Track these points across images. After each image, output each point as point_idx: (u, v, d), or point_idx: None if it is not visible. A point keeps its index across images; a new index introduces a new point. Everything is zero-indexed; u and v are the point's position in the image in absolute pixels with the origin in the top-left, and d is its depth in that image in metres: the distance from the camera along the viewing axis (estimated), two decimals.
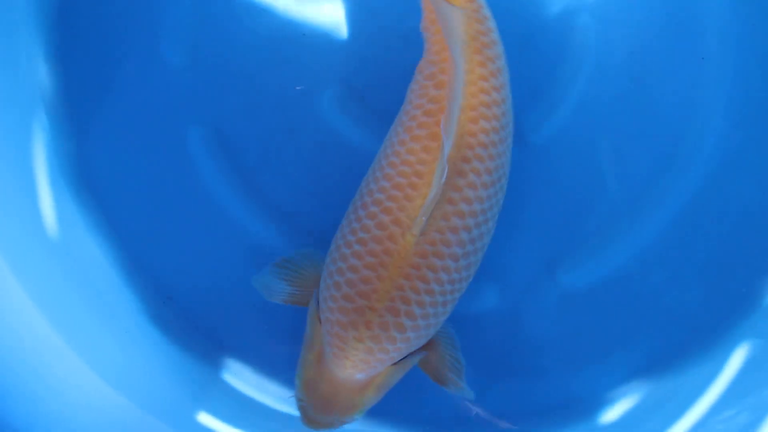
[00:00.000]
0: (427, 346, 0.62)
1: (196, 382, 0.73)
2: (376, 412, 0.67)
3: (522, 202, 0.72)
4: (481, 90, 0.57)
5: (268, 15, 0.74)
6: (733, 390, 0.69)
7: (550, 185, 0.73)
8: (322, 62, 0.74)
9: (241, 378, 0.74)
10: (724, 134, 0.73)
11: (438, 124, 0.57)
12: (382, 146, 0.61)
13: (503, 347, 0.72)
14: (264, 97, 0.74)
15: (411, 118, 0.59)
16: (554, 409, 0.72)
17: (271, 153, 0.74)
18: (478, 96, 0.57)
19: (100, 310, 0.72)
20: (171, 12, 0.74)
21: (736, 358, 0.70)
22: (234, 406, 0.73)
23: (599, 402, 0.72)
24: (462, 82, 0.56)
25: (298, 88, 0.73)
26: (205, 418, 0.71)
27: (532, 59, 0.73)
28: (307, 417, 0.61)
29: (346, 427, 0.62)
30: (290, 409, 0.73)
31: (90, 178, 0.74)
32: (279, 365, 0.74)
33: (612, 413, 0.72)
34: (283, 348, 0.73)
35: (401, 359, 0.60)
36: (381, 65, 0.73)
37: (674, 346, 0.72)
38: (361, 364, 0.58)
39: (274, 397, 0.73)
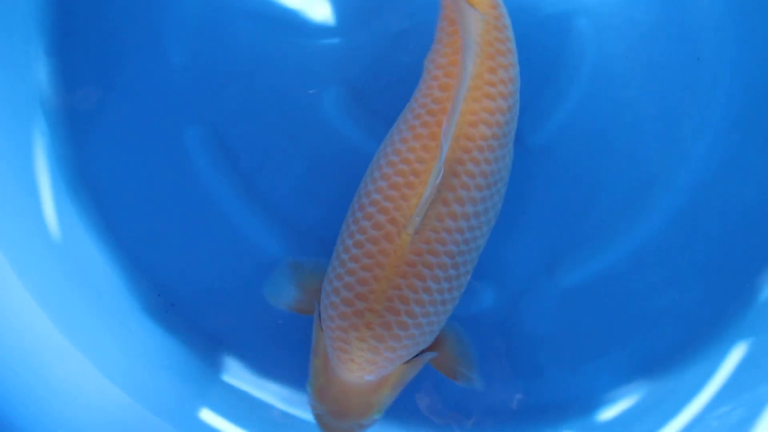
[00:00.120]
0: (436, 343, 0.63)
1: (197, 381, 0.73)
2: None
3: (520, 202, 0.73)
4: (486, 95, 0.58)
5: (268, 16, 0.74)
6: (730, 387, 0.70)
7: (548, 186, 0.73)
8: (322, 63, 0.74)
9: (241, 377, 0.74)
10: (722, 134, 0.73)
11: (439, 125, 0.57)
12: (381, 145, 0.62)
13: (502, 346, 0.73)
14: (264, 99, 0.74)
15: (416, 116, 0.59)
16: (553, 408, 0.72)
17: (271, 154, 0.74)
18: (481, 101, 0.57)
19: (101, 311, 0.73)
20: (171, 14, 0.74)
21: (733, 356, 0.71)
22: (235, 405, 0.73)
23: (598, 400, 0.72)
24: (467, 86, 0.56)
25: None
26: (206, 415, 0.72)
27: (530, 62, 0.73)
28: (323, 424, 0.61)
29: None
30: (290, 407, 0.74)
31: (90, 179, 0.74)
32: (279, 364, 0.74)
33: (610, 411, 0.72)
34: (282, 347, 0.74)
35: (412, 358, 0.61)
36: (381, 66, 0.73)
37: (671, 345, 0.73)
38: (367, 365, 0.58)
39: (274, 395, 0.74)
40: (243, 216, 0.74)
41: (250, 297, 0.74)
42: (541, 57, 0.74)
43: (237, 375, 0.74)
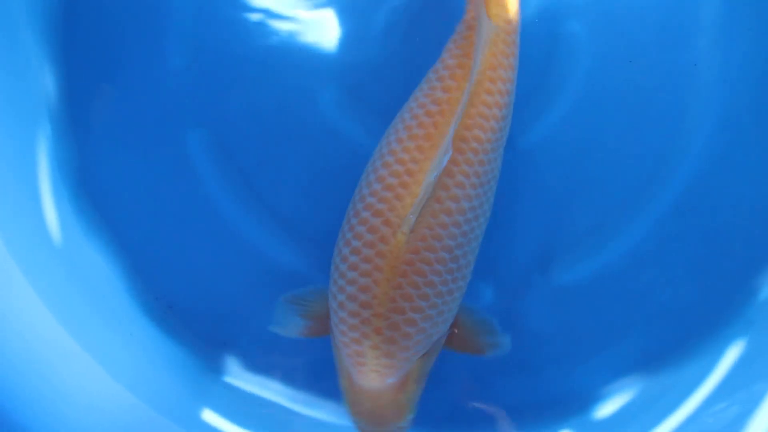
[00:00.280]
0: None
1: (199, 381, 0.74)
2: None
3: (516, 202, 0.74)
4: (483, 102, 0.60)
5: (268, 19, 0.75)
6: (725, 384, 0.70)
7: (543, 186, 0.74)
8: (322, 65, 0.75)
9: (241, 377, 0.75)
10: (715, 135, 0.74)
11: (436, 126, 0.59)
12: (377, 146, 0.62)
13: None
14: (264, 102, 0.75)
15: (413, 116, 0.60)
16: (549, 405, 0.73)
17: (271, 156, 0.75)
18: (478, 107, 0.59)
19: (104, 313, 0.74)
20: (172, 19, 0.75)
21: (728, 354, 0.71)
22: (236, 404, 0.74)
23: (593, 397, 0.73)
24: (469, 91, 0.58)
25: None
26: (208, 415, 0.73)
27: (523, 65, 0.73)
28: None
29: None
30: (291, 405, 0.75)
31: (92, 183, 0.76)
32: (279, 364, 0.75)
33: (606, 408, 0.73)
34: (282, 347, 0.74)
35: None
36: (382, 68, 0.74)
37: (667, 343, 0.73)
38: (387, 370, 0.59)
39: (275, 394, 0.75)
40: (243, 218, 0.75)
41: (251, 299, 0.75)
42: (534, 60, 0.74)
43: (238, 375, 0.75)
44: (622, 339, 0.74)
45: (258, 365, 0.75)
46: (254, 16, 0.75)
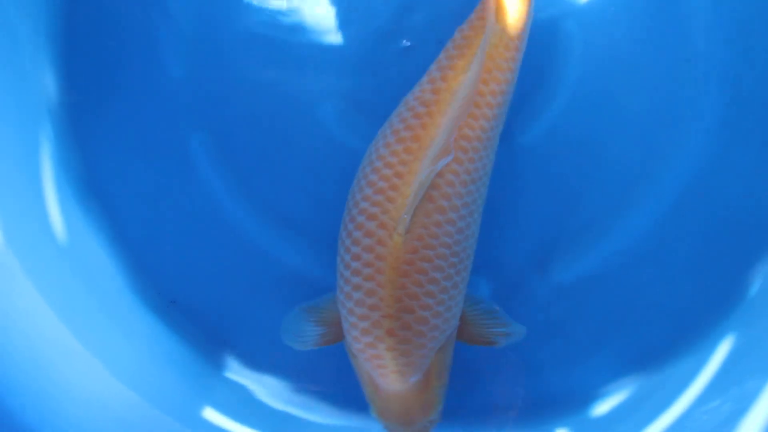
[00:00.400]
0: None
1: (201, 378, 0.75)
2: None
3: (513, 201, 0.74)
4: (475, 104, 0.60)
5: (267, 26, 0.76)
6: (718, 381, 0.71)
7: (539, 185, 0.75)
8: (320, 69, 0.76)
9: (243, 374, 0.76)
10: (710, 133, 0.75)
11: (423, 127, 0.59)
12: (366, 152, 0.63)
13: None
14: (263, 107, 0.76)
15: (401, 119, 0.61)
16: (545, 402, 0.74)
17: (271, 160, 0.76)
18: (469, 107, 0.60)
19: (107, 311, 0.75)
20: (173, 24, 0.76)
21: (721, 351, 0.72)
22: (238, 401, 0.75)
23: (590, 395, 0.74)
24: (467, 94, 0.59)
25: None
26: (210, 412, 0.73)
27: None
28: None
29: None
30: (292, 402, 0.75)
31: (95, 184, 0.76)
32: (281, 361, 0.76)
33: (601, 406, 0.73)
34: (284, 345, 0.74)
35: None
36: (380, 74, 0.75)
37: (661, 340, 0.74)
38: (407, 369, 0.59)
39: (276, 391, 0.75)
40: (244, 217, 0.76)
41: (252, 295, 0.76)
42: (531, 59, 0.74)
43: (240, 372, 0.76)
44: (617, 337, 0.74)
45: (260, 363, 0.75)
46: (253, 23, 0.76)
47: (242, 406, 0.74)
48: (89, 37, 0.76)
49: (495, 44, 0.62)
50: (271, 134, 0.76)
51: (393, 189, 0.58)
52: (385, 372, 0.60)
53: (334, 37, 0.76)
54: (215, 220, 0.76)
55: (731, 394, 0.69)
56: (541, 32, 0.75)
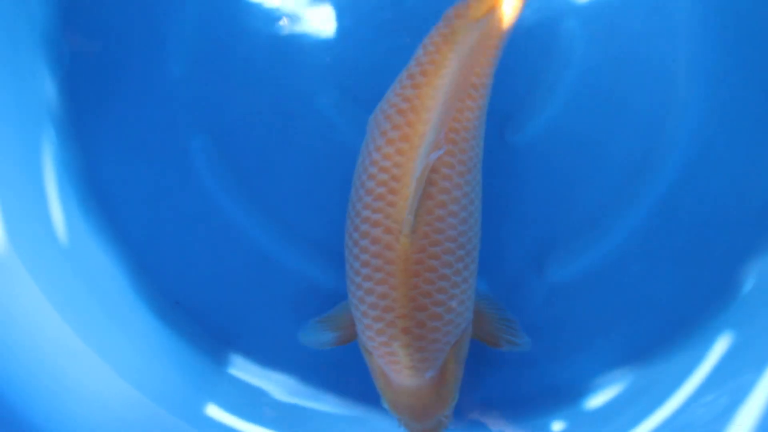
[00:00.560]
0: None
1: (205, 376, 0.76)
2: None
3: (509, 200, 0.75)
4: (459, 99, 0.61)
5: (265, 26, 0.77)
6: (714, 376, 0.71)
7: (535, 183, 0.75)
8: (319, 68, 0.76)
9: (247, 372, 0.77)
10: (699, 131, 0.75)
11: (410, 124, 0.60)
12: (360, 158, 0.64)
13: None
14: (263, 106, 0.76)
15: (387, 118, 0.61)
16: (542, 397, 0.74)
17: (273, 161, 0.77)
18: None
19: (110, 312, 0.75)
20: (173, 25, 0.77)
21: (717, 346, 0.73)
22: (241, 399, 0.76)
23: (585, 390, 0.74)
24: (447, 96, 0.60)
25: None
26: (214, 410, 0.74)
27: (518, 63, 0.75)
28: (414, 431, 0.63)
29: None
30: (296, 399, 0.76)
31: (97, 186, 0.77)
32: (284, 359, 0.77)
33: (598, 400, 0.74)
34: (287, 342, 0.76)
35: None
36: (379, 71, 0.75)
37: (657, 335, 0.74)
38: (422, 365, 0.60)
39: (281, 389, 0.76)
40: (245, 218, 0.77)
41: (254, 294, 0.77)
42: (529, 58, 0.76)
43: (243, 370, 0.77)
44: (612, 332, 0.75)
45: (263, 360, 0.76)
46: (252, 24, 0.77)
47: (246, 404, 0.75)
48: (89, 38, 0.77)
49: (479, 39, 0.62)
50: (272, 135, 0.77)
51: (392, 193, 0.59)
52: (400, 368, 0.60)
53: (335, 37, 0.77)
54: (217, 220, 0.77)
55: (727, 387, 0.69)
56: (540, 33, 0.75)
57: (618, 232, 0.75)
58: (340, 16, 0.77)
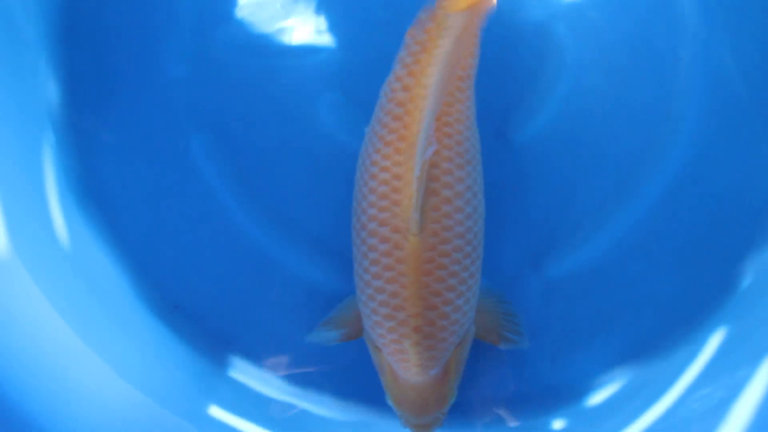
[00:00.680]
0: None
1: (206, 378, 0.76)
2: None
3: (507, 199, 0.76)
4: (448, 93, 0.61)
5: (265, 27, 0.77)
6: (710, 371, 0.72)
7: (533, 182, 0.76)
8: (319, 69, 0.77)
9: (247, 374, 0.77)
10: (698, 129, 0.76)
11: (406, 126, 0.60)
12: (360, 160, 0.64)
13: None
14: (262, 108, 0.77)
15: (381, 124, 0.62)
16: (540, 394, 0.75)
17: (273, 161, 0.77)
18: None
19: (112, 314, 0.75)
20: (172, 27, 0.77)
21: (713, 342, 0.74)
22: (242, 400, 0.76)
23: (584, 386, 0.75)
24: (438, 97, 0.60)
25: None
26: (215, 411, 0.74)
27: (514, 64, 0.76)
28: (413, 425, 0.64)
29: None
30: (296, 401, 0.76)
31: (97, 188, 0.77)
32: (285, 360, 0.77)
33: (596, 397, 0.75)
34: (287, 344, 0.76)
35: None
36: (378, 74, 0.75)
37: (654, 332, 0.75)
38: (429, 362, 0.61)
39: (281, 390, 0.76)
40: (246, 219, 0.77)
41: (254, 296, 0.77)
42: (525, 60, 0.77)
43: (244, 371, 0.77)
44: (610, 329, 0.76)
45: (263, 362, 0.76)
46: (252, 25, 0.77)
47: (247, 405, 0.75)
48: (90, 39, 0.77)
49: (461, 32, 0.62)
50: (272, 134, 0.77)
51: (396, 192, 0.59)
52: (408, 365, 0.61)
53: (334, 37, 0.77)
54: (217, 222, 0.77)
55: (723, 382, 0.70)
56: (536, 34, 0.76)
57: (616, 231, 0.76)
58: (340, 17, 0.77)
